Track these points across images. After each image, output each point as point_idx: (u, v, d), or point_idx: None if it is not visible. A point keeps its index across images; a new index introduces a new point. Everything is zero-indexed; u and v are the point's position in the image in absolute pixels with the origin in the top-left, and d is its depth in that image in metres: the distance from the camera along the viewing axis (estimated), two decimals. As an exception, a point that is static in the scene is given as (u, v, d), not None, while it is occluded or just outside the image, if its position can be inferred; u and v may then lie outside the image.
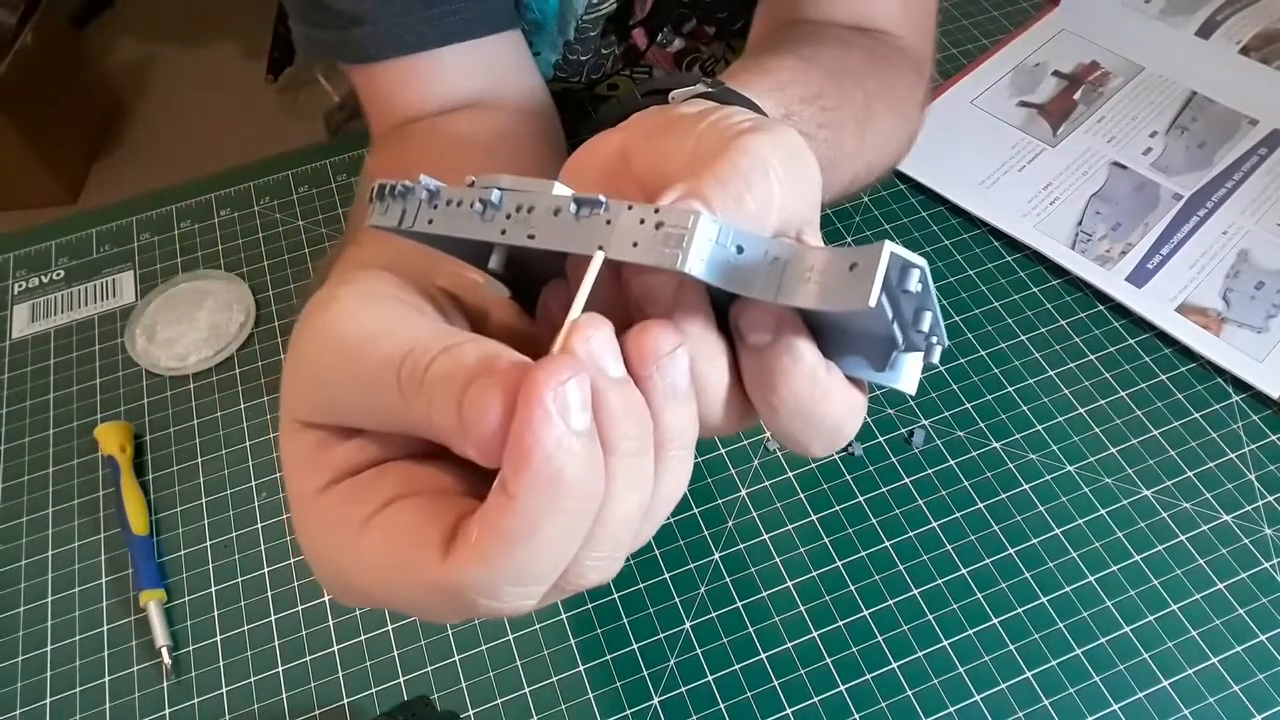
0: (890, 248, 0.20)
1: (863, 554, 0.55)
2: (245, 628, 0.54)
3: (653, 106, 0.30)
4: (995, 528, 0.55)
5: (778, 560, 0.55)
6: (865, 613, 0.53)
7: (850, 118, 0.44)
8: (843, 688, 0.50)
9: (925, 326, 0.22)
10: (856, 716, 0.49)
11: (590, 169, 0.27)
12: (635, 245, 0.21)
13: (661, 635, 0.52)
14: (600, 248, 0.21)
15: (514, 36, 0.52)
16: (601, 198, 0.21)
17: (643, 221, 0.21)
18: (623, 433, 0.19)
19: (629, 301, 0.24)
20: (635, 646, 0.52)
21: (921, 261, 0.20)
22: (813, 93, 0.41)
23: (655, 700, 0.50)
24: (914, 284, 0.20)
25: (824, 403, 0.23)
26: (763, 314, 0.23)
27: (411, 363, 0.20)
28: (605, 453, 0.19)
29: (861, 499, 0.57)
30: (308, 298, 0.24)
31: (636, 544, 0.22)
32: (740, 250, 0.21)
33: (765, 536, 0.56)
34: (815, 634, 0.52)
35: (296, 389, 0.23)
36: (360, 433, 0.23)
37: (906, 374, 0.25)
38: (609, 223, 0.21)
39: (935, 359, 0.23)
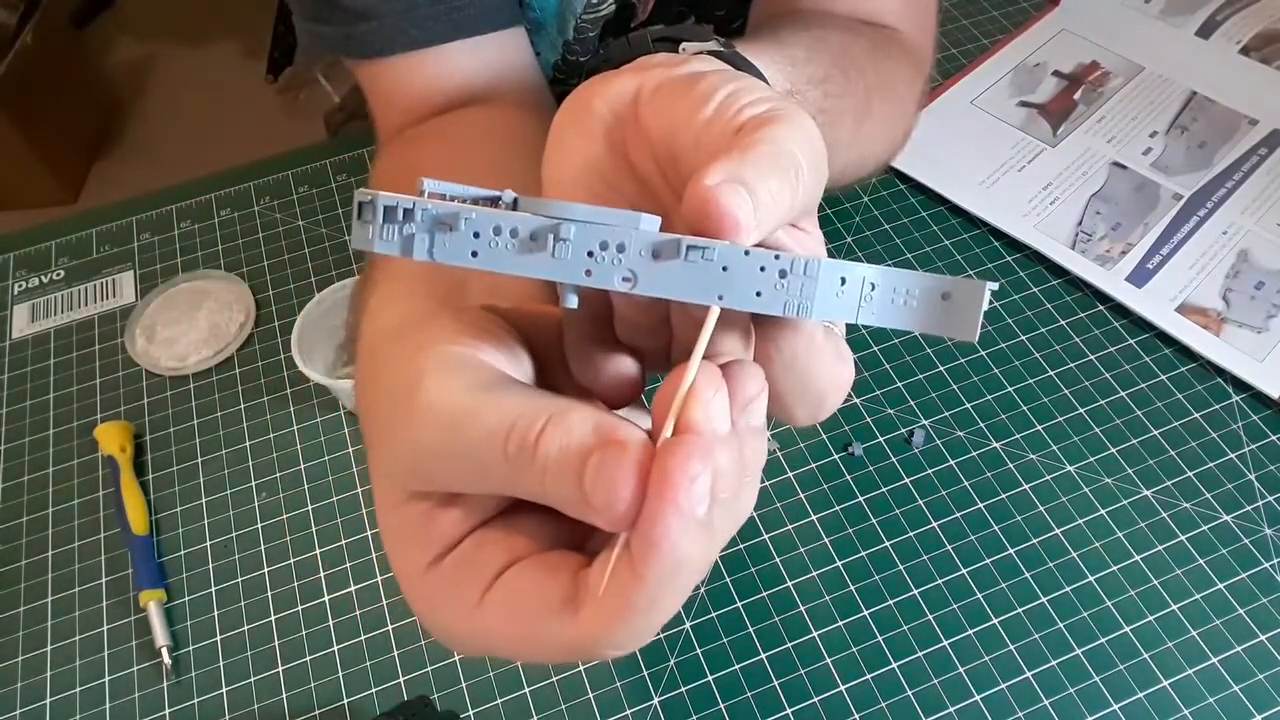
0: (989, 286, 0.22)
1: (863, 554, 0.55)
2: (245, 628, 0.54)
3: (663, 54, 0.30)
4: (995, 528, 0.55)
5: (778, 560, 0.55)
6: (865, 613, 0.53)
7: (850, 107, 0.44)
8: (843, 688, 0.50)
9: None
10: (856, 716, 0.49)
11: (598, 111, 0.26)
12: (759, 295, 0.20)
13: (661, 635, 0.52)
14: (720, 297, 0.20)
15: (518, 33, 0.52)
16: (714, 243, 0.20)
17: (763, 269, 0.20)
18: (727, 487, 0.20)
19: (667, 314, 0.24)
20: (635, 646, 0.52)
21: (996, 286, 0.22)
22: (820, 75, 0.41)
23: (655, 700, 0.50)
24: (986, 303, 0.22)
25: (817, 364, 0.24)
26: None
27: (519, 437, 0.21)
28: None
29: (861, 499, 0.57)
30: (352, 333, 0.24)
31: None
32: (843, 282, 0.21)
33: (765, 537, 0.56)
34: (815, 634, 0.52)
35: (396, 463, 0.23)
36: (459, 503, 0.23)
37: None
38: (725, 269, 0.20)
39: None
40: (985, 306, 0.21)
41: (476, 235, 0.20)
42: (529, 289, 0.28)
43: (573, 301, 0.21)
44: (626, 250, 0.20)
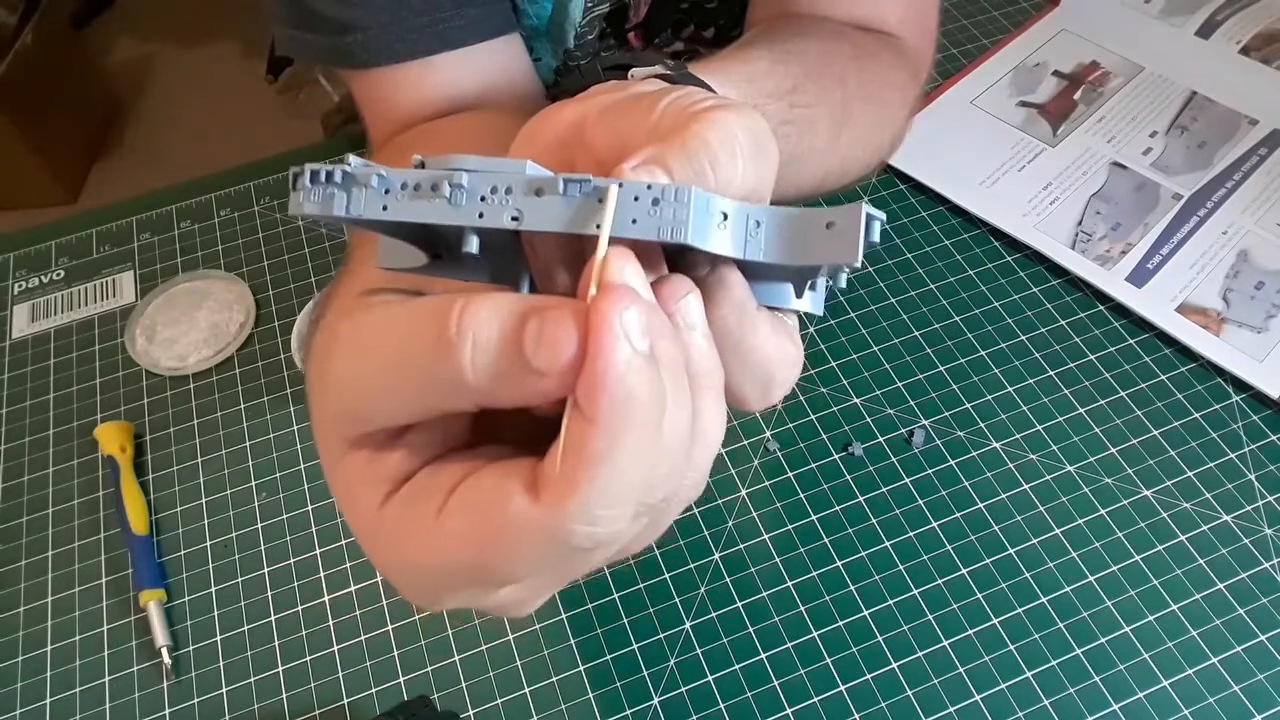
0: (866, 207, 0.22)
1: (863, 554, 0.55)
2: (245, 628, 0.54)
3: (612, 80, 0.30)
4: (995, 528, 0.55)
5: (778, 560, 0.55)
6: (865, 613, 0.53)
7: (825, 115, 0.44)
8: (843, 688, 0.50)
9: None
10: (856, 717, 0.49)
11: (544, 139, 0.27)
12: (635, 222, 0.21)
13: (661, 635, 0.52)
14: (597, 226, 0.21)
15: (511, 41, 0.52)
16: (589, 176, 0.21)
17: (636, 199, 0.21)
18: (665, 350, 0.21)
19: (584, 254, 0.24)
20: (635, 646, 0.52)
21: (882, 214, 0.23)
22: (786, 87, 0.41)
23: (655, 700, 0.50)
24: (876, 234, 0.22)
25: (751, 335, 0.25)
26: (703, 252, 0.24)
27: (438, 323, 0.21)
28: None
29: (861, 499, 0.57)
30: (312, 330, 0.24)
31: (690, 484, 0.23)
32: (725, 217, 0.22)
33: (765, 536, 0.56)
34: (815, 634, 0.52)
35: (329, 412, 0.23)
36: (401, 440, 0.23)
37: (817, 300, 0.27)
38: (600, 201, 0.21)
39: (843, 284, 0.26)
40: (864, 227, 0.22)
41: (387, 191, 0.22)
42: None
43: (474, 245, 0.22)
44: (514, 191, 0.22)
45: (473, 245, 0.22)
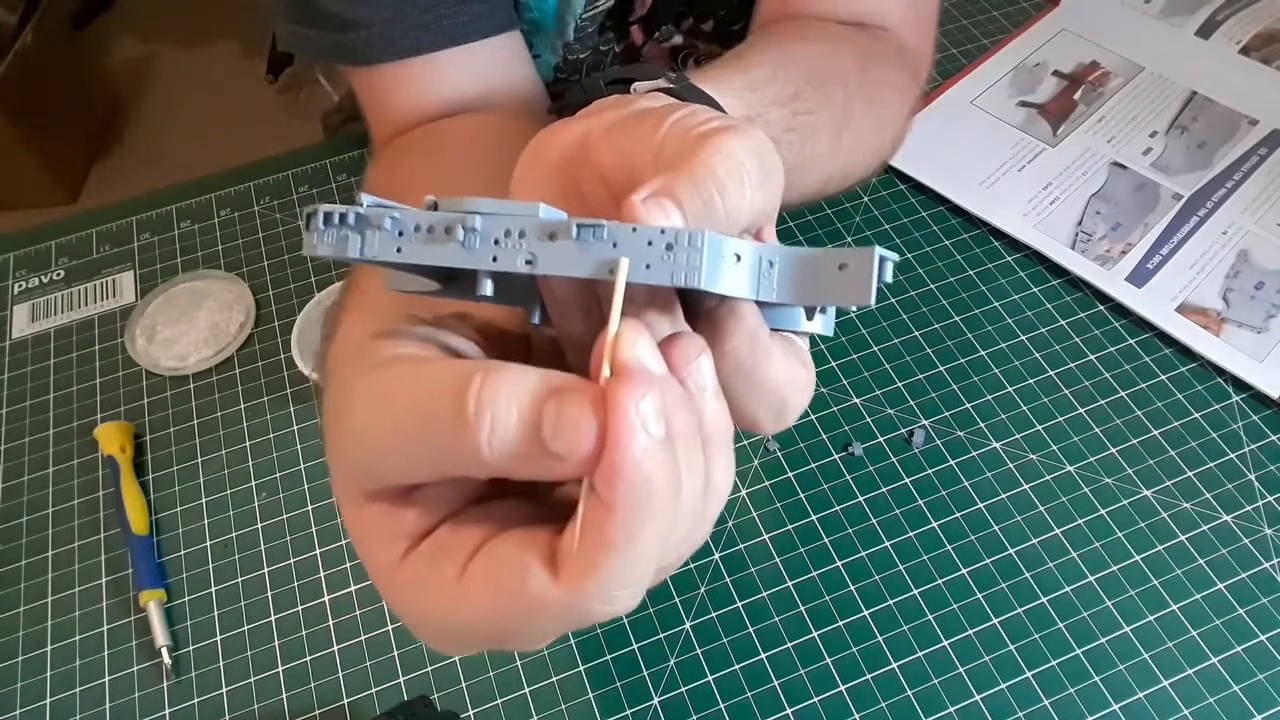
0: (879, 250, 0.22)
1: (863, 554, 0.55)
2: (245, 628, 0.54)
3: (614, 95, 0.30)
4: (995, 528, 0.55)
5: (778, 560, 0.55)
6: (865, 613, 0.53)
7: (826, 120, 0.44)
8: (843, 688, 0.50)
9: None
10: (856, 717, 0.49)
11: (549, 158, 0.27)
12: (648, 268, 0.21)
13: (661, 635, 0.52)
14: (611, 271, 0.21)
15: (513, 39, 0.52)
16: (603, 221, 0.21)
17: (650, 244, 0.21)
18: (679, 424, 0.21)
19: (598, 294, 0.25)
20: (635, 646, 0.52)
21: (895, 256, 0.23)
22: (788, 94, 0.41)
23: (655, 700, 0.50)
24: (889, 275, 0.23)
25: (765, 365, 0.25)
26: None
27: (455, 394, 0.21)
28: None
29: (861, 499, 0.57)
30: (325, 347, 0.24)
31: (700, 535, 0.24)
32: (738, 258, 0.22)
33: (765, 536, 0.56)
34: (815, 634, 0.52)
35: (345, 463, 0.24)
36: (418, 496, 0.23)
37: (828, 321, 0.28)
38: (615, 245, 0.21)
39: (853, 308, 0.26)
40: (877, 270, 0.22)
41: (400, 234, 0.22)
42: (499, 314, 0.28)
43: (488, 289, 0.23)
44: (527, 235, 0.22)
45: (487, 289, 0.23)
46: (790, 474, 0.58)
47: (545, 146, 0.27)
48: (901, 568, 0.54)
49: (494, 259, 0.22)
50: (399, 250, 0.22)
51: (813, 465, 0.58)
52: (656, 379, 0.20)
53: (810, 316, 0.27)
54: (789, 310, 0.27)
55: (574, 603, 0.20)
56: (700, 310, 0.25)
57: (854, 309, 0.26)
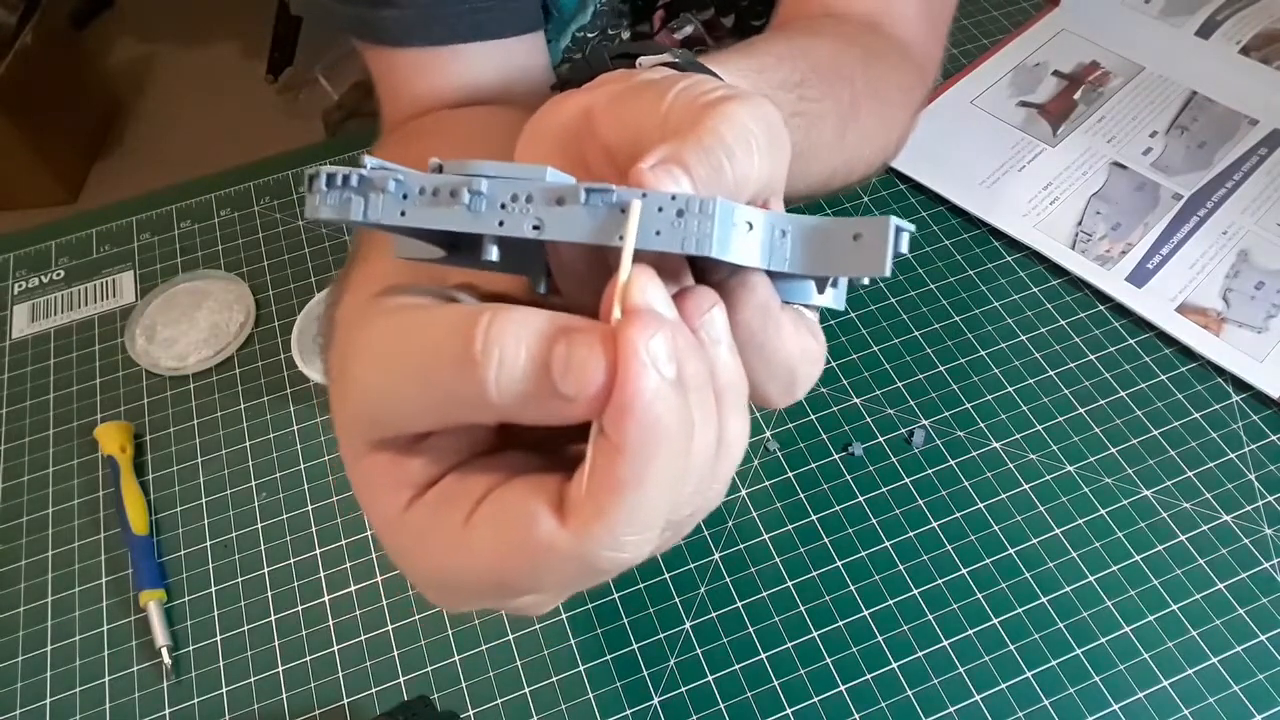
0: (895, 220, 0.22)
1: (863, 554, 0.55)
2: (245, 628, 0.54)
3: (619, 70, 0.30)
4: (995, 528, 0.55)
5: (778, 560, 0.55)
6: (865, 613, 0.53)
7: (831, 111, 0.44)
8: (843, 688, 0.50)
9: None
10: (856, 717, 0.49)
11: (553, 129, 0.26)
12: (658, 234, 0.21)
13: (661, 635, 0.52)
14: (620, 237, 0.21)
15: (537, 38, 0.52)
16: (611, 186, 0.21)
17: (660, 210, 0.21)
18: (691, 370, 0.21)
19: (608, 263, 0.24)
20: (635, 646, 0.52)
21: (911, 226, 0.22)
22: (795, 80, 0.41)
23: (655, 700, 0.50)
24: (905, 246, 0.22)
25: (775, 337, 0.25)
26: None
27: (462, 337, 0.20)
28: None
29: (861, 499, 0.57)
30: (328, 321, 0.24)
31: (714, 495, 0.23)
32: (750, 227, 0.22)
33: (765, 536, 0.56)
34: (815, 634, 0.52)
35: (350, 413, 0.23)
36: (424, 445, 0.23)
37: (839, 295, 0.27)
38: (623, 211, 0.21)
39: (866, 280, 0.25)
40: (893, 240, 0.22)
41: (405, 196, 0.22)
42: (506, 284, 0.27)
43: (493, 254, 0.22)
44: (534, 200, 0.21)
45: (492, 254, 0.22)
46: (790, 474, 0.58)
47: (548, 119, 0.27)
48: (901, 568, 0.54)
49: (500, 223, 0.21)
50: (403, 214, 0.22)
51: (813, 465, 0.58)
52: (668, 321, 0.20)
53: (821, 289, 0.26)
54: (799, 283, 0.27)
55: (582, 548, 0.20)
56: (710, 281, 0.24)
57: (867, 281, 0.26)
